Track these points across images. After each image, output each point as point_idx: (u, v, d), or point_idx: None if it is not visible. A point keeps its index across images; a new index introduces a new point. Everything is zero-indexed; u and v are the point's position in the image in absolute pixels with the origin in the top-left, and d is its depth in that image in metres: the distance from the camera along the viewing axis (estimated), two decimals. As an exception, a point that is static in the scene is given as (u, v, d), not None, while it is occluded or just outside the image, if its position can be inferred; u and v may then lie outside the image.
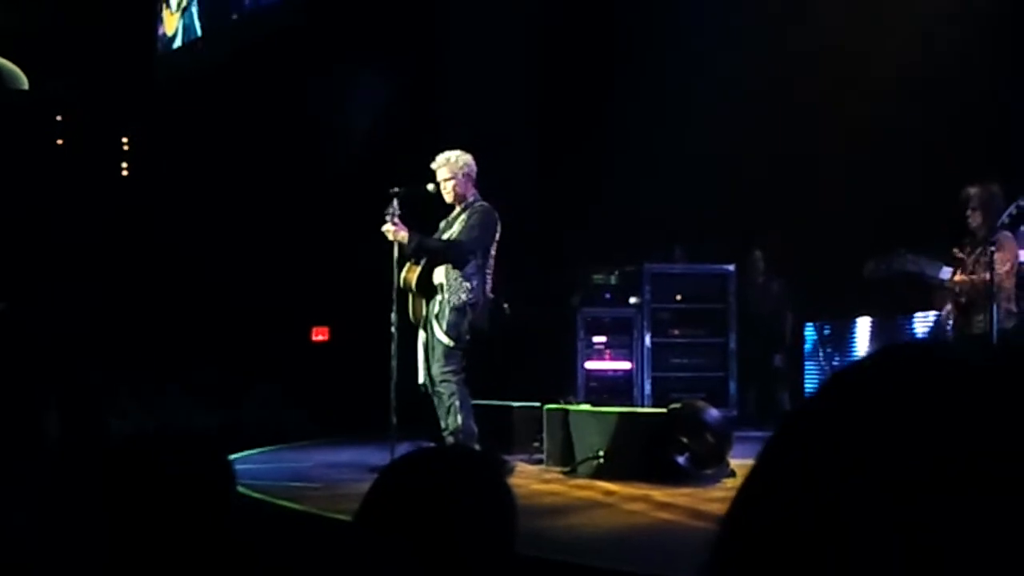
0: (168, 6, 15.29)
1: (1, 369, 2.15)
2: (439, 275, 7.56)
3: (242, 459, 8.11)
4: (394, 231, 7.54)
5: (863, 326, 9.73)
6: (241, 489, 2.22)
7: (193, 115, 14.12)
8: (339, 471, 7.82)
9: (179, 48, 14.99)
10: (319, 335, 13.63)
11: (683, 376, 10.16)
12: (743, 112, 10.30)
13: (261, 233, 13.07)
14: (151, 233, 13.73)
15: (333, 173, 12.67)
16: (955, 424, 0.68)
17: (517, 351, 9.84)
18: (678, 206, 10.61)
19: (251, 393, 11.67)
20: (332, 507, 5.94)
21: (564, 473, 7.55)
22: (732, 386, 10.24)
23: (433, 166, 7.69)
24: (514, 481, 5.94)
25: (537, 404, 8.52)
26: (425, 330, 7.64)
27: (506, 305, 7.92)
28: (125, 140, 15.68)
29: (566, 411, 8.00)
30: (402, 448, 6.40)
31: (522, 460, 8.17)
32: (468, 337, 7.48)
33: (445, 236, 7.67)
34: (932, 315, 8.19)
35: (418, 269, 7.63)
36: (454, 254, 7.55)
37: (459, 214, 7.67)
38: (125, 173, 15.55)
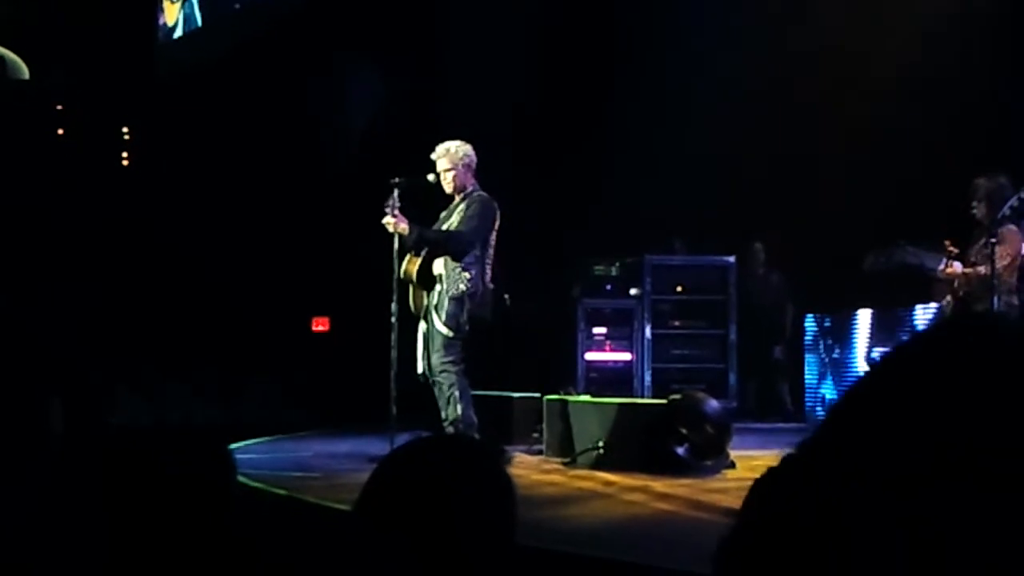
0: (169, -5, 15.25)
1: (3, 367, 2.15)
2: (438, 266, 7.56)
3: (242, 449, 8.13)
4: (394, 223, 7.53)
5: (863, 318, 9.72)
6: (241, 479, 2.22)
7: (193, 107, 14.09)
8: (339, 461, 7.84)
9: (180, 38, 14.95)
10: (319, 325, 13.64)
11: (683, 367, 10.17)
12: (743, 112, 10.30)
13: (262, 224, 13.05)
14: (151, 224, 13.71)
15: (333, 165, 12.66)
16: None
17: (517, 342, 9.85)
18: (678, 206, 10.62)
19: (251, 383, 11.68)
20: (332, 497, 5.95)
21: (564, 464, 7.55)
22: (732, 377, 10.25)
23: (433, 156, 7.69)
24: (514, 471, 5.92)
25: (537, 395, 8.53)
26: (425, 320, 7.64)
27: (507, 296, 7.93)
28: (126, 130, 15.65)
29: (566, 402, 8.01)
30: (402, 438, 6.40)
31: (522, 450, 8.18)
32: (467, 327, 7.47)
33: (444, 226, 7.67)
34: (933, 307, 8.18)
35: (419, 261, 7.62)
36: (453, 244, 7.55)
37: (458, 204, 7.67)
38: (125, 163, 15.53)
